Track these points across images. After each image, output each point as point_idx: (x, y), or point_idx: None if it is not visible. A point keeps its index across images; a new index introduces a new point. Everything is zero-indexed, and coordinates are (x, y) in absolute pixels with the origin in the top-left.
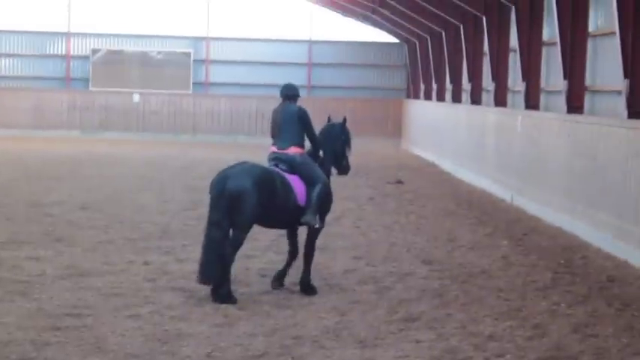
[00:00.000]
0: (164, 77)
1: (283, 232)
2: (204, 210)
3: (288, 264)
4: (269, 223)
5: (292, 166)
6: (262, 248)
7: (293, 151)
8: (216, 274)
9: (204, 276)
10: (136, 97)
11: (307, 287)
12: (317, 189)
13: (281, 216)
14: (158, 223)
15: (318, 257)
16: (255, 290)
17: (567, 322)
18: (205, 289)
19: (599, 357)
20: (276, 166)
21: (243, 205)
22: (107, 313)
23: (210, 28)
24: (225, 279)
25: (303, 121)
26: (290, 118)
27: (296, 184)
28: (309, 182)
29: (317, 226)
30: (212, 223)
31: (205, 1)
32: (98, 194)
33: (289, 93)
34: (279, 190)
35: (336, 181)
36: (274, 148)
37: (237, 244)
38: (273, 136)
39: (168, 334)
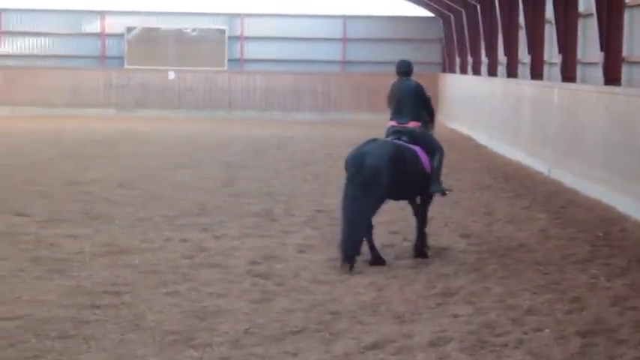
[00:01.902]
0: (199, 54)
1: (320, 207)
2: (240, 186)
3: (421, 232)
4: (400, 194)
5: (414, 138)
6: (299, 224)
7: (412, 125)
8: (357, 247)
9: (347, 254)
10: (172, 75)
11: (421, 252)
12: (437, 157)
13: (412, 186)
14: (195, 200)
15: None
16: (292, 266)
17: (606, 295)
18: (243, 265)
19: (638, 330)
20: (399, 139)
21: (380, 180)
22: (145, 290)
23: (245, 4)
24: (371, 246)
25: (421, 96)
26: (408, 94)
27: (420, 154)
28: (431, 152)
29: (446, 192)
30: (351, 198)
31: None
32: (135, 172)
33: (405, 69)
34: (411, 162)
35: None
36: (394, 123)
37: (372, 213)
38: (393, 112)
39: (206, 310)
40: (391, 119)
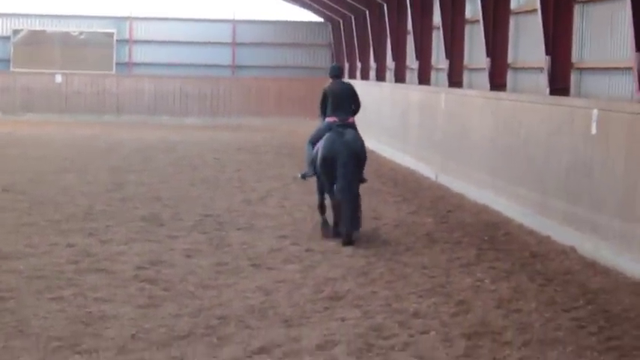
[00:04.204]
0: (87, 58)
1: (208, 212)
2: (128, 191)
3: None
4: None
5: (354, 129)
6: (187, 228)
7: (350, 119)
8: (359, 222)
9: (355, 226)
10: (59, 78)
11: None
12: None
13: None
14: (81, 204)
15: (243, 237)
16: (180, 270)
17: (491, 297)
18: (130, 270)
19: (522, 332)
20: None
21: (364, 161)
22: (29, 295)
23: (133, 7)
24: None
25: (354, 94)
26: (345, 93)
27: None
28: None
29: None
30: (352, 180)
31: None
32: (20, 176)
33: (337, 73)
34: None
35: (261, 160)
36: (335, 118)
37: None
38: (332, 109)
39: (91, 316)
40: (330, 115)
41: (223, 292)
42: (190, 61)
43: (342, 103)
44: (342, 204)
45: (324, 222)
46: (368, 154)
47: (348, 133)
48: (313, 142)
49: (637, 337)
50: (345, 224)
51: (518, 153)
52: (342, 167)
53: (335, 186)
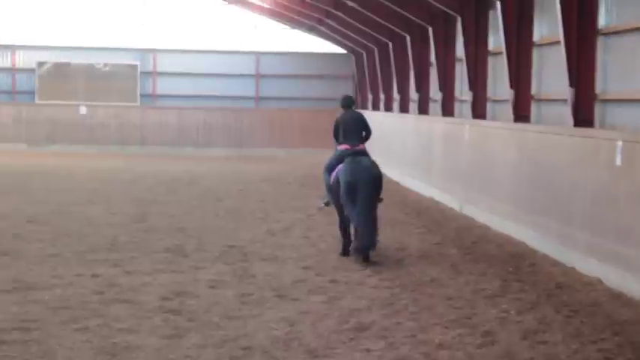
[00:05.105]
0: (111, 90)
1: (232, 243)
2: (152, 222)
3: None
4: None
5: (366, 155)
6: (211, 259)
7: (361, 146)
8: (375, 241)
9: (368, 250)
10: (83, 110)
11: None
12: None
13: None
14: (106, 235)
15: (267, 267)
16: (204, 301)
17: (517, 329)
18: (155, 301)
19: None
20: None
21: (381, 184)
22: (55, 326)
23: (157, 40)
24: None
25: (364, 123)
26: (356, 122)
27: None
28: None
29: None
30: (369, 201)
31: (152, 14)
32: (45, 207)
33: (349, 102)
34: None
35: (285, 191)
36: (347, 146)
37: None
38: (344, 137)
39: (116, 346)
40: (342, 143)
41: (248, 322)
42: (214, 92)
43: (352, 131)
44: (362, 226)
45: (345, 245)
46: (392, 185)
47: (364, 159)
48: (329, 169)
49: None
50: (364, 243)
51: (543, 184)
52: (363, 191)
53: (356, 208)
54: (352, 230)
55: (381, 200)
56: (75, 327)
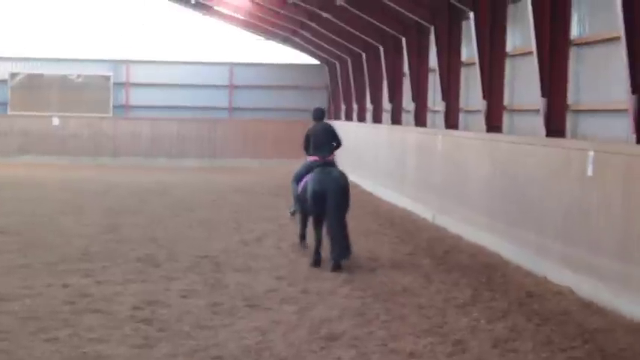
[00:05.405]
0: (84, 101)
1: (204, 253)
2: (123, 232)
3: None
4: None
5: (335, 166)
6: (183, 269)
7: (330, 158)
8: (349, 250)
9: (346, 254)
10: (56, 121)
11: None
12: None
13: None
14: (77, 246)
15: (239, 277)
16: (175, 311)
17: (487, 337)
18: (126, 311)
19: None
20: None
21: (349, 195)
22: (24, 336)
23: (130, 51)
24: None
25: (334, 134)
26: (326, 134)
27: None
28: None
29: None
30: (340, 210)
31: (125, 25)
32: (16, 218)
33: (320, 115)
34: None
35: (257, 201)
36: (316, 157)
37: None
38: (314, 149)
39: (86, 356)
40: (311, 154)
41: (219, 332)
42: (187, 103)
43: (323, 143)
44: (332, 235)
45: (303, 245)
46: (365, 196)
47: (334, 170)
48: (297, 179)
49: None
50: (335, 252)
51: (515, 194)
52: (332, 201)
53: (325, 219)
54: (316, 241)
55: (347, 209)
56: (44, 337)
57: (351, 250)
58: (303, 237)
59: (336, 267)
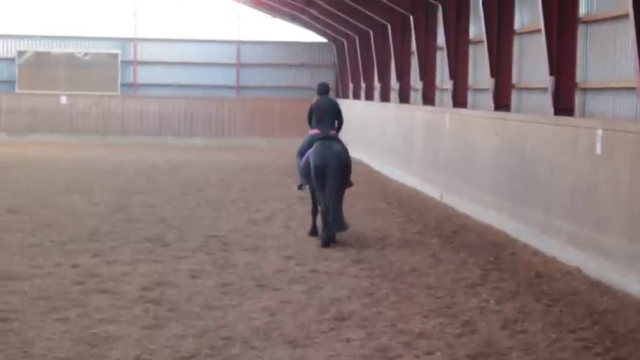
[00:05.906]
0: (92, 79)
1: (213, 233)
2: (133, 212)
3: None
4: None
5: (338, 141)
6: (192, 249)
7: (332, 132)
8: (344, 224)
9: (343, 226)
10: (64, 99)
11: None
12: None
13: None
14: (86, 225)
15: (248, 257)
16: (184, 292)
17: (496, 318)
18: (135, 291)
19: (528, 352)
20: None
21: (350, 169)
22: (34, 316)
23: (138, 29)
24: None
25: (337, 110)
26: (329, 108)
27: None
28: None
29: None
30: (339, 185)
31: (132, 3)
32: (25, 197)
33: (324, 90)
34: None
35: (266, 180)
36: (317, 131)
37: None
38: (316, 122)
39: (96, 337)
40: (314, 128)
41: (228, 312)
42: (195, 82)
43: (325, 117)
44: (329, 209)
45: (314, 225)
46: (373, 174)
47: (335, 145)
48: (301, 153)
49: None
50: (330, 227)
51: (523, 173)
52: (331, 176)
53: (325, 193)
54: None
55: (350, 185)
56: (55, 317)
57: (346, 225)
58: (314, 213)
59: (326, 244)
